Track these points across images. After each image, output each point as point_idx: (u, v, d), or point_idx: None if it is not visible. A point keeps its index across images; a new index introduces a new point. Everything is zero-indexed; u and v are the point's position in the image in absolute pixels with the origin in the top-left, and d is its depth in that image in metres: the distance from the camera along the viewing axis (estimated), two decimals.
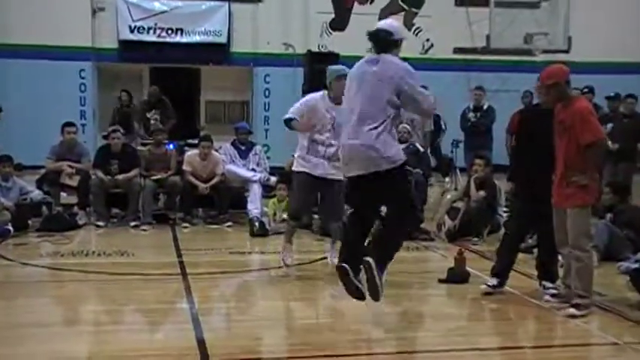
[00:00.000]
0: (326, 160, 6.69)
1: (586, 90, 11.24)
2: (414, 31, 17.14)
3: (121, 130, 10.20)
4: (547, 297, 6.14)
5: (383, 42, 5.26)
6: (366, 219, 5.45)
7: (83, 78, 15.67)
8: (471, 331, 5.53)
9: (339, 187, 6.73)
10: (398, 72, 5.14)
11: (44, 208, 9.60)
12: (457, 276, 6.77)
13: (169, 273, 7.01)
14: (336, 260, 6.88)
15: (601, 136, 5.81)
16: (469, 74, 15.47)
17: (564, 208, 5.82)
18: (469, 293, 6.48)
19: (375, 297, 5.09)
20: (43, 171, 10.26)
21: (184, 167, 9.90)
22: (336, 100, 6.54)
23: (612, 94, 11.44)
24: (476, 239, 8.77)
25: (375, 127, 5.07)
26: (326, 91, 6.75)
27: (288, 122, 6.68)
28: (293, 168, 6.98)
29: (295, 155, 6.92)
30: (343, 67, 6.66)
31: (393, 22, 5.47)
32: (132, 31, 15.91)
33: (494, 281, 6.33)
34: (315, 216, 9.17)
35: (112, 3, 15.87)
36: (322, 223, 8.93)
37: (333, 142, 6.59)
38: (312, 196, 6.96)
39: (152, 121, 11.86)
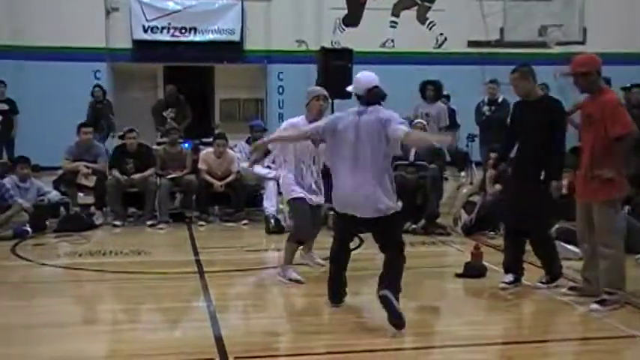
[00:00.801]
0: (312, 188, 6.76)
1: None
2: (428, 25, 17.12)
3: (136, 130, 10.19)
4: (565, 290, 6.10)
5: (379, 97, 5.51)
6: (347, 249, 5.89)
7: (98, 79, 15.74)
8: (488, 326, 5.51)
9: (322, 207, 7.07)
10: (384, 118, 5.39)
11: (62, 208, 9.66)
12: (474, 270, 6.76)
13: (186, 271, 7.03)
14: (320, 260, 7.11)
15: (631, 128, 5.63)
16: (483, 68, 15.40)
17: (589, 203, 5.73)
18: (486, 287, 6.46)
19: (401, 325, 5.15)
20: (60, 172, 10.32)
21: (200, 166, 9.93)
22: (313, 121, 6.54)
23: (628, 85, 11.35)
24: (492, 233, 8.73)
25: (374, 178, 5.35)
26: (304, 116, 6.70)
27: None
28: (290, 195, 6.80)
29: (285, 176, 6.83)
30: (320, 88, 6.92)
31: (374, 76, 5.62)
32: (145, 31, 16.00)
33: (510, 277, 6.31)
34: (332, 212, 9.16)
35: (126, 3, 15.95)
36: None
37: (313, 167, 6.74)
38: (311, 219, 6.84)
39: (168, 120, 11.90)
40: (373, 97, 5.49)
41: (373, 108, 5.46)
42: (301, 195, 6.70)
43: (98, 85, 14.10)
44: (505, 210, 6.78)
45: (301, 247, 7.04)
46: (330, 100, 6.85)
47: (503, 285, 6.28)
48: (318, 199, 6.85)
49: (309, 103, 6.67)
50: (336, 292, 5.81)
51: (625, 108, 5.93)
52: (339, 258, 5.83)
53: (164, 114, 12.10)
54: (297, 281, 6.60)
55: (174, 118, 11.96)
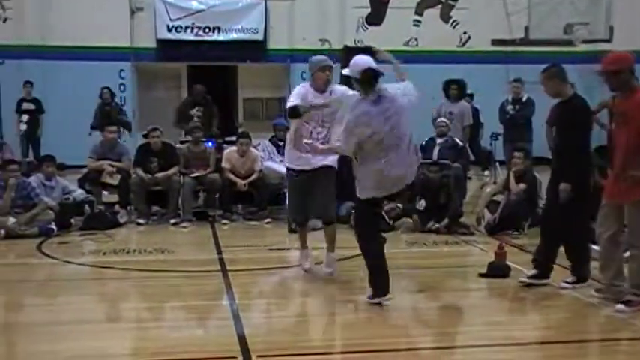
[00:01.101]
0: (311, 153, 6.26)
1: None
2: (452, 23, 17.05)
3: (160, 129, 10.24)
4: (591, 292, 6.03)
5: (374, 78, 5.69)
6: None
7: (123, 78, 15.88)
8: (512, 326, 5.47)
9: (330, 177, 6.48)
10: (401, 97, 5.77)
11: (86, 207, 9.73)
12: (498, 270, 6.70)
13: (209, 270, 7.05)
14: (328, 270, 6.66)
15: None
16: (507, 66, 15.32)
17: (619, 203, 5.65)
18: (510, 287, 6.41)
19: None
20: (84, 170, 10.40)
21: (223, 164, 9.95)
22: (319, 89, 6.44)
23: None
24: (516, 233, 8.67)
25: (409, 148, 5.77)
26: (308, 83, 6.57)
27: (294, 110, 6.19)
28: (286, 165, 6.74)
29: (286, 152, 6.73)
30: (325, 57, 6.65)
31: (371, 59, 5.84)
32: (170, 31, 16.11)
33: (532, 271, 6.25)
34: (354, 210, 9.16)
35: (150, 3, 16.08)
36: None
37: (319, 131, 6.34)
38: (307, 195, 6.51)
39: (195, 118, 11.94)
40: (367, 78, 5.62)
41: (385, 95, 5.64)
42: (291, 166, 6.51)
43: (107, 87, 14.09)
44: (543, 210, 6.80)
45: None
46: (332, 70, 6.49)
47: (522, 278, 6.23)
48: (320, 161, 6.37)
49: (314, 74, 6.47)
50: (387, 282, 5.77)
51: None
52: (381, 251, 5.83)
53: (191, 112, 12.13)
54: (305, 270, 6.70)
55: (200, 117, 11.99)
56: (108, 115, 13.64)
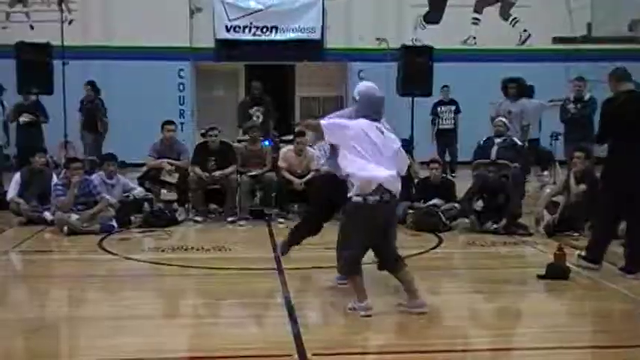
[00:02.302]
0: None
1: None
2: (511, 21, 16.82)
3: (218, 129, 10.32)
4: None
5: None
6: None
7: (182, 77, 16.10)
8: (570, 329, 5.37)
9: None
10: None
11: (145, 204, 9.88)
12: (557, 272, 6.58)
13: (266, 268, 7.10)
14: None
15: None
16: (568, 65, 15.03)
17: None
18: (569, 290, 6.30)
19: None
20: (144, 168, 10.58)
21: (280, 163, 10.00)
22: None
23: None
24: (576, 234, 8.50)
25: None
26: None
27: None
28: None
29: None
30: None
31: None
32: (228, 31, 16.29)
33: None
34: (410, 210, 9.14)
35: (209, 3, 16.27)
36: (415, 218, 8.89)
37: None
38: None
39: (255, 118, 12.02)
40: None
41: None
42: None
43: (90, 82, 13.68)
44: None
45: None
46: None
47: None
48: None
49: None
50: None
51: None
52: None
53: (250, 112, 12.20)
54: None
55: (259, 117, 12.04)
56: (89, 114, 13.38)
